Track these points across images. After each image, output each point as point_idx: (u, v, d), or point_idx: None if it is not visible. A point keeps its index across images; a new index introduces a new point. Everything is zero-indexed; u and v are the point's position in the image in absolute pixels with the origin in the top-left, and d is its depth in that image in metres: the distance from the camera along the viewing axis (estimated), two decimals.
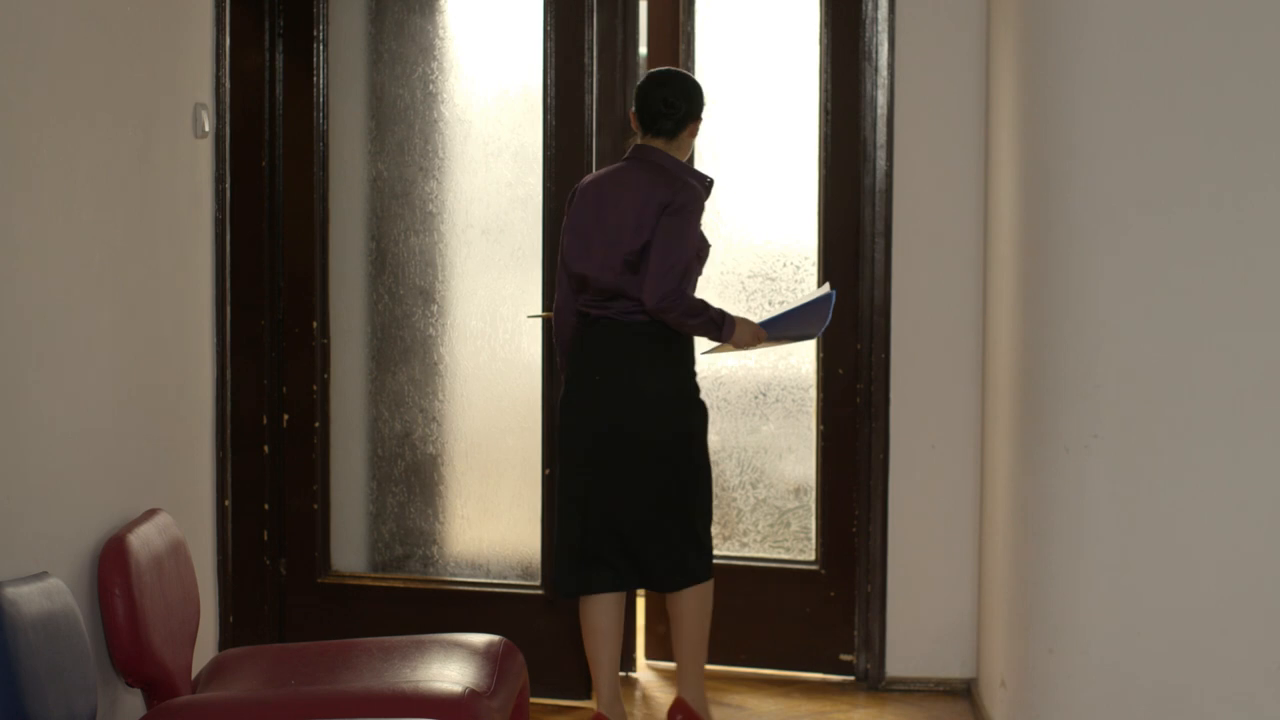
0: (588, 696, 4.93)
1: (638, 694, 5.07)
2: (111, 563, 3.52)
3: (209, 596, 4.61)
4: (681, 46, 5.23)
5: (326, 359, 5.13)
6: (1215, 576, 3.68)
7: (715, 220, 5.19)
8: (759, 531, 5.32)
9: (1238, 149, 3.62)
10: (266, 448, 5.05)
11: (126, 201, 3.91)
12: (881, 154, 5.03)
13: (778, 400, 5.29)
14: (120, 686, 3.67)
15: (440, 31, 5.11)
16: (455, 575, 5.15)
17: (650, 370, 4.30)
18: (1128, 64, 3.71)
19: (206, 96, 4.56)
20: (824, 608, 5.19)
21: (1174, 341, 3.69)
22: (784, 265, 5.26)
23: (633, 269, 4.24)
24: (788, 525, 5.29)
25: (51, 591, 3.18)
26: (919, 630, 5.09)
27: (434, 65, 5.10)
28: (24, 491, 3.32)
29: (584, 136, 4.89)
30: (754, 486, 5.32)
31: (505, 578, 5.10)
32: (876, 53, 5.01)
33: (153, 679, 3.57)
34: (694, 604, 4.40)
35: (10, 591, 3.02)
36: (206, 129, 4.53)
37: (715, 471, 5.10)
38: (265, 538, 5.06)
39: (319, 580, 5.13)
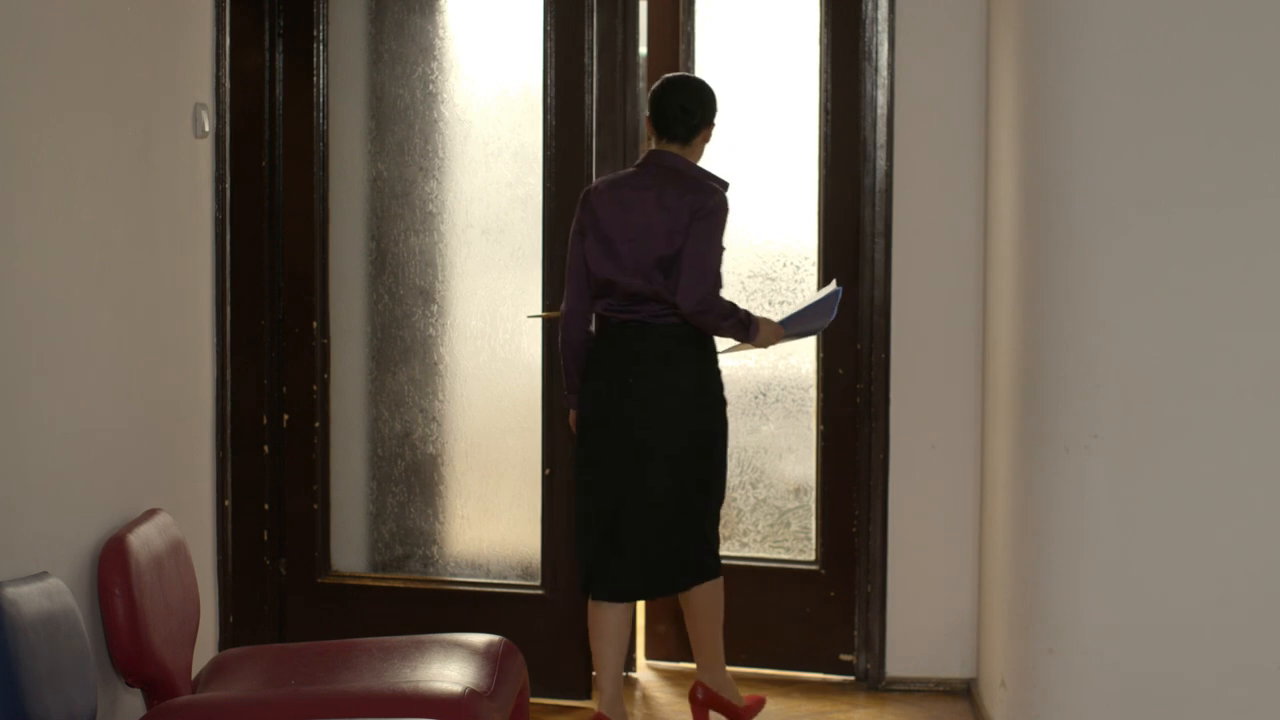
0: (588, 696, 4.93)
1: (638, 694, 5.07)
2: (111, 563, 3.52)
3: (209, 596, 4.61)
4: (681, 46, 5.23)
5: (326, 359, 5.13)
6: (1215, 576, 3.68)
7: None
8: (759, 531, 5.32)
9: (1238, 149, 3.62)
10: (266, 448, 5.05)
11: (126, 202, 3.91)
12: (881, 154, 5.03)
13: (778, 400, 5.29)
14: (120, 686, 3.67)
15: (440, 31, 5.10)
16: (455, 575, 5.15)
17: (685, 371, 4.35)
18: (1127, 64, 3.71)
19: (206, 96, 4.56)
20: (824, 608, 5.19)
21: (1174, 341, 3.69)
22: (784, 265, 5.26)
23: (665, 273, 4.27)
24: (788, 525, 5.29)
25: (51, 591, 3.18)
26: (919, 630, 5.09)
27: (434, 65, 5.10)
28: (24, 491, 3.32)
29: (584, 136, 4.89)
30: (754, 486, 5.32)
31: (505, 578, 5.10)
32: (876, 53, 5.01)
33: (153, 679, 3.57)
34: (708, 598, 4.47)
35: (10, 591, 3.02)
36: (206, 129, 4.53)
37: None
38: (265, 538, 5.06)
39: (319, 580, 5.13)
